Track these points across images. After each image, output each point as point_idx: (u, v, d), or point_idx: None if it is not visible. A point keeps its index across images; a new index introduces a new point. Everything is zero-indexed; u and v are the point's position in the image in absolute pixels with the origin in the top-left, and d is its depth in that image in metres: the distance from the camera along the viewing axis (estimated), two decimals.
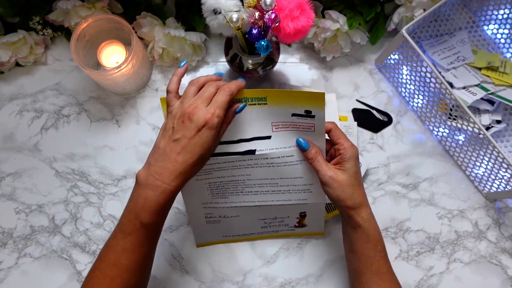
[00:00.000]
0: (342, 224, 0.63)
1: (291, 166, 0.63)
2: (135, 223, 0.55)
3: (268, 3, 0.57)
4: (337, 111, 0.77)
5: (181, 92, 0.58)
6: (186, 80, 0.80)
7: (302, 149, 0.61)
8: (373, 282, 0.59)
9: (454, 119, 0.72)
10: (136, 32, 0.75)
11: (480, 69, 0.78)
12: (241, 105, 0.57)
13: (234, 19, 0.58)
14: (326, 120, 0.59)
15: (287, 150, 0.61)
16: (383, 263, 0.60)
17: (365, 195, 0.60)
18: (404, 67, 0.75)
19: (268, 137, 0.61)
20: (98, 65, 0.77)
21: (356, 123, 0.78)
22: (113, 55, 0.76)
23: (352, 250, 0.61)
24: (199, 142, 0.53)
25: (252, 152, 0.61)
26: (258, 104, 0.58)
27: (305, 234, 0.74)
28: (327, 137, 0.62)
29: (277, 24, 0.59)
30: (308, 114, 0.58)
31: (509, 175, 0.70)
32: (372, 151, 0.79)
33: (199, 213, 0.71)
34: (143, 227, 0.54)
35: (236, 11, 0.58)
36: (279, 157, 0.62)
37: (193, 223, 0.72)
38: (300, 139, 0.60)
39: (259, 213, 0.71)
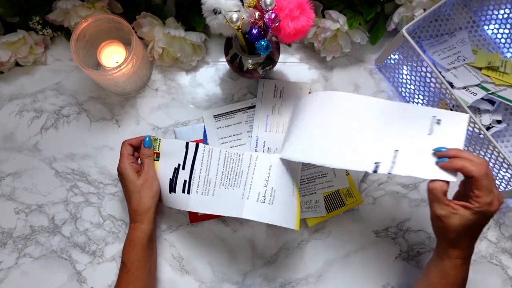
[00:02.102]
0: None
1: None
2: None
3: (268, 3, 0.57)
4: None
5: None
6: (185, 82, 0.80)
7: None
8: None
9: None
10: (136, 32, 0.75)
11: (480, 69, 0.78)
12: (145, 138, 0.69)
13: (234, 19, 0.58)
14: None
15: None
16: None
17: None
18: (404, 67, 0.75)
19: None
20: (98, 65, 0.77)
21: None
22: (113, 55, 0.76)
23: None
24: (123, 188, 0.69)
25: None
26: None
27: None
28: None
29: (277, 24, 0.59)
30: None
31: (509, 175, 0.70)
32: None
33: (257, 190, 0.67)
34: (122, 263, 0.65)
35: (236, 11, 0.58)
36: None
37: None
38: None
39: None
